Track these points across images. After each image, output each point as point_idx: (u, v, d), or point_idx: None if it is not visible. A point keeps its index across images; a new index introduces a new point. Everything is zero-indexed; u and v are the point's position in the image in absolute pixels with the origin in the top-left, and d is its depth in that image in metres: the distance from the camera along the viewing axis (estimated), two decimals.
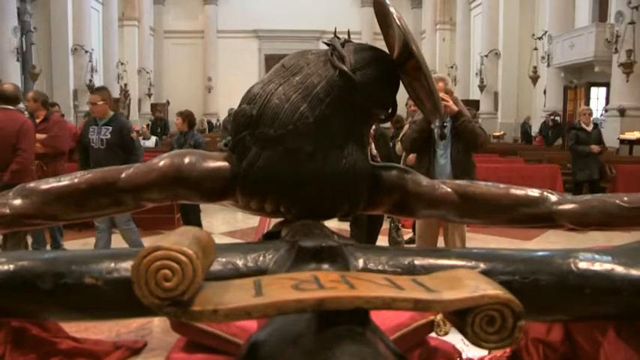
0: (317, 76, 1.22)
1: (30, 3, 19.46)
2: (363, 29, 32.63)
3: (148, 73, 28.87)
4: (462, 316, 0.65)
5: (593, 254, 0.96)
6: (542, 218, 1.37)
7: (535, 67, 19.53)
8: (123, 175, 1.29)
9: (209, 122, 29.36)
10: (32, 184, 1.29)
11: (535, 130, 18.87)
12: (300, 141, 1.16)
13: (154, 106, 28.88)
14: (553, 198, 1.38)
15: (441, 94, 3.52)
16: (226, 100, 31.10)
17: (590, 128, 8.90)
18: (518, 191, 1.40)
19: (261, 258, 0.98)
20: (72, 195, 1.27)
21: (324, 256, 0.94)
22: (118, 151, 5.64)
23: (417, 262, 0.96)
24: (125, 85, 25.66)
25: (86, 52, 20.88)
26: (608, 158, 11.04)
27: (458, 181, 1.43)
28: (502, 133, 20.38)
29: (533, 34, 19.97)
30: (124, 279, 0.87)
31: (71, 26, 20.50)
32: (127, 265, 0.90)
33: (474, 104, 22.41)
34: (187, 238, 0.69)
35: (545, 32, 18.55)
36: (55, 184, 1.28)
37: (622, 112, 14.17)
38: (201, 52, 32.11)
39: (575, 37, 16.73)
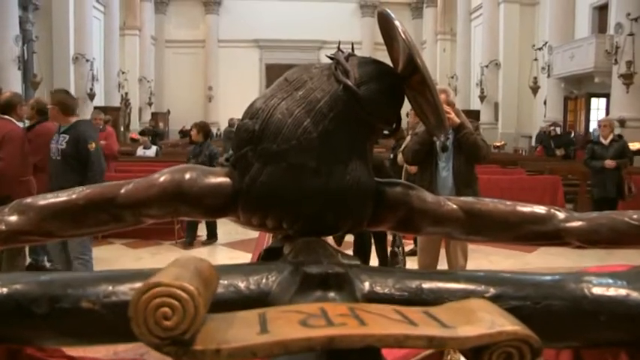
0: (320, 90, 1.20)
1: (32, 12, 19.53)
2: (364, 39, 32.74)
3: (148, 82, 28.94)
4: (478, 353, 0.63)
5: (607, 279, 0.93)
6: (549, 236, 1.36)
7: (535, 78, 19.57)
8: (122, 191, 1.27)
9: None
10: (29, 200, 1.27)
11: (535, 140, 18.87)
12: (303, 156, 1.14)
13: (154, 115, 28.93)
14: (560, 215, 1.37)
15: (444, 107, 3.50)
16: (227, 110, 31.15)
17: (608, 141, 8.33)
18: (524, 208, 1.38)
19: (263, 280, 0.97)
20: (70, 211, 1.26)
21: (330, 283, 0.93)
22: (75, 164, 5.02)
23: (425, 285, 0.94)
24: (126, 94, 25.69)
25: (87, 60, 20.94)
26: (629, 171, 11.06)
27: (463, 198, 1.42)
28: (503, 143, 20.37)
29: (534, 45, 20.03)
30: (123, 303, 0.85)
31: (72, 35, 20.58)
32: (125, 289, 0.88)
33: (474, 114, 22.45)
34: (188, 271, 0.67)
35: (546, 43, 18.60)
36: (52, 200, 1.27)
37: (622, 123, 14.16)
38: (202, 61, 32.20)
39: (575, 48, 16.77)
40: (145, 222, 1.30)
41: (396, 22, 1.20)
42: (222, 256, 6.50)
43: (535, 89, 19.80)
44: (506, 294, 0.90)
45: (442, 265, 4.39)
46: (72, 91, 19.80)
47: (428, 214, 1.31)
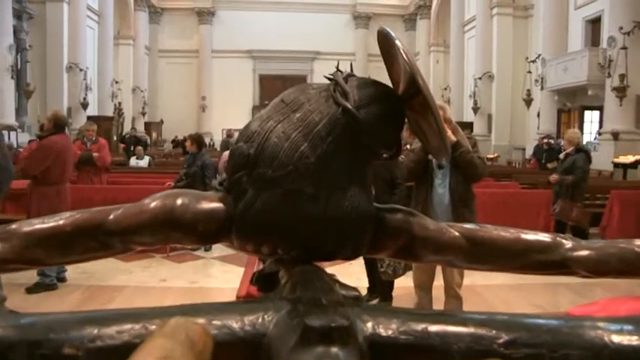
0: (318, 113, 1.16)
1: (26, 21, 19.48)
2: (358, 51, 32.86)
3: (142, 91, 28.91)
4: None
5: (620, 325, 0.88)
6: (555, 265, 1.31)
7: (529, 90, 19.64)
8: (111, 217, 1.22)
9: None
10: (14, 226, 1.21)
11: (529, 152, 18.90)
12: (300, 182, 1.10)
13: (147, 125, 28.87)
14: (567, 244, 1.32)
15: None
16: (220, 120, 31.18)
17: (563, 155, 7.91)
18: (529, 236, 1.34)
19: (259, 320, 0.91)
20: (56, 238, 1.20)
21: (334, 337, 0.87)
22: None
23: (432, 328, 0.89)
24: (119, 103, 25.62)
25: (81, 70, 20.88)
26: (597, 184, 11.06)
27: (466, 225, 1.37)
28: (496, 155, 20.41)
29: (527, 57, 20.11)
30: (109, 348, 0.79)
31: (66, 44, 20.54)
32: (111, 332, 0.82)
33: (467, 126, 22.50)
34: (179, 344, 0.60)
35: (539, 55, 18.67)
36: (38, 226, 1.21)
37: (615, 135, 14.22)
38: (196, 71, 32.20)
39: (569, 60, 16.84)
40: (135, 249, 1.25)
41: (397, 42, 1.15)
42: (215, 269, 6.44)
43: (528, 101, 19.87)
44: (520, 340, 0.85)
45: (438, 281, 4.33)
46: (65, 100, 19.92)
47: (429, 242, 1.27)
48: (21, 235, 1.17)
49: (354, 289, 1.20)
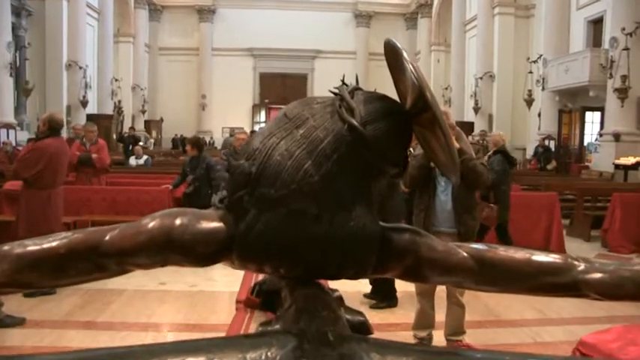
0: (323, 129, 1.11)
1: (25, 18, 19.39)
2: (358, 49, 32.80)
3: (142, 89, 28.85)
4: None
5: None
6: (566, 287, 1.27)
7: (530, 91, 19.59)
8: (107, 238, 1.16)
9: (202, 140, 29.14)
10: (6, 248, 1.16)
11: (529, 153, 18.85)
12: (303, 202, 1.05)
13: (147, 123, 28.80)
14: (579, 266, 1.28)
15: None
16: (220, 118, 31.14)
17: (488, 156, 7.43)
18: (540, 258, 1.29)
19: (263, 357, 0.86)
20: (49, 261, 1.15)
21: None
22: None
23: None
24: (119, 101, 25.56)
25: (80, 68, 20.80)
26: (598, 186, 11.00)
27: (475, 245, 1.33)
28: None
29: (528, 58, 20.05)
30: None
31: (66, 42, 20.46)
32: None
33: (468, 126, 22.46)
34: None
35: (540, 56, 18.60)
36: (30, 249, 1.15)
37: (617, 137, 14.16)
38: (196, 69, 32.14)
39: (570, 61, 16.77)
40: (131, 271, 1.20)
41: (405, 55, 1.10)
42: (215, 273, 6.34)
43: (529, 102, 19.81)
44: None
45: (440, 289, 4.27)
46: (64, 98, 19.85)
47: (437, 264, 1.22)
48: (12, 258, 1.11)
49: (360, 313, 1.15)
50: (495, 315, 5.45)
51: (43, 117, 5.86)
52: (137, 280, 6.26)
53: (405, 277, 1.28)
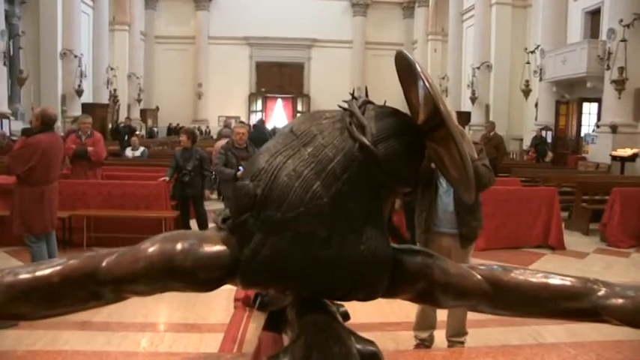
0: (332, 147, 1.06)
1: (19, 6, 19.17)
2: (355, 38, 32.66)
3: (137, 78, 28.68)
4: None
5: None
6: (585, 313, 1.24)
7: (527, 81, 19.54)
8: (104, 265, 1.11)
9: (199, 129, 29.13)
10: None
11: (526, 143, 18.83)
12: (312, 225, 1.01)
13: (143, 112, 28.66)
14: (599, 291, 1.24)
15: None
16: (216, 107, 31.04)
17: None
18: (557, 281, 1.26)
19: None
20: (42, 290, 1.10)
21: None
22: None
23: None
24: (115, 90, 25.42)
25: (75, 56, 20.65)
26: (596, 180, 10.99)
27: (491, 268, 1.28)
28: None
29: (526, 48, 19.99)
30: None
31: (60, 30, 20.26)
32: None
33: (465, 116, 22.43)
34: None
35: (538, 46, 18.55)
36: (21, 277, 1.10)
37: (614, 128, 14.14)
38: (192, 57, 31.98)
39: (568, 52, 16.73)
40: (129, 298, 1.15)
41: (418, 67, 1.05)
42: None
43: (527, 92, 19.77)
44: None
45: None
46: (59, 87, 19.70)
47: (450, 288, 1.19)
48: (2, 288, 1.06)
49: (371, 342, 1.12)
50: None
51: (36, 112, 5.76)
52: None
53: (417, 300, 1.25)
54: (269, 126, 23.15)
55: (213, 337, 4.27)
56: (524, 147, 18.95)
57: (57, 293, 1.09)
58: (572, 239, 8.33)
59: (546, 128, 17.86)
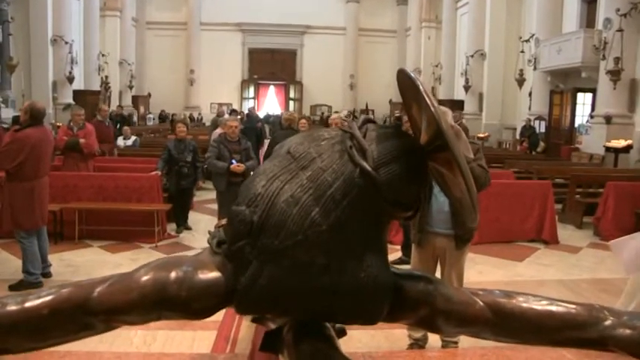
0: (332, 172, 1.02)
1: None
2: (348, 25, 32.51)
3: (129, 64, 28.46)
4: None
5: None
6: (592, 343, 1.22)
7: (521, 70, 19.47)
8: (95, 295, 1.07)
9: (190, 116, 29.02)
10: None
11: (519, 132, 18.81)
12: (310, 253, 0.98)
13: (135, 99, 28.50)
14: (606, 320, 1.21)
15: None
16: (209, 94, 30.91)
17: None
18: (563, 310, 1.23)
19: None
20: (30, 323, 1.06)
21: None
22: None
23: None
24: (106, 77, 25.21)
25: (66, 43, 20.40)
26: (590, 173, 10.99)
27: (494, 294, 1.25)
28: (487, 134, 20.32)
29: (520, 37, 19.89)
30: None
31: (51, 16, 19.98)
32: None
33: (458, 104, 22.39)
34: None
35: (533, 35, 18.46)
36: (10, 309, 1.06)
37: (608, 119, 14.12)
38: (184, 44, 31.78)
39: (563, 41, 16.64)
40: (119, 327, 1.12)
41: (420, 87, 1.01)
42: None
43: (521, 81, 19.70)
44: None
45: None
46: (50, 74, 19.52)
47: (452, 316, 1.17)
48: None
49: None
50: None
51: (24, 105, 5.67)
52: (126, 270, 6.16)
53: (418, 325, 1.24)
54: (261, 113, 23.09)
55: (207, 335, 4.24)
56: (517, 137, 18.93)
57: (46, 326, 1.05)
58: (566, 233, 8.32)
59: (540, 118, 17.83)
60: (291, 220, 0.98)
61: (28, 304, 1.06)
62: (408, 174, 1.05)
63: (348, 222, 0.98)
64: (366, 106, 29.92)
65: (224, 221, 1.17)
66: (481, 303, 1.21)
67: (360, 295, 1.00)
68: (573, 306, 1.23)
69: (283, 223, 0.97)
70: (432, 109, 1.00)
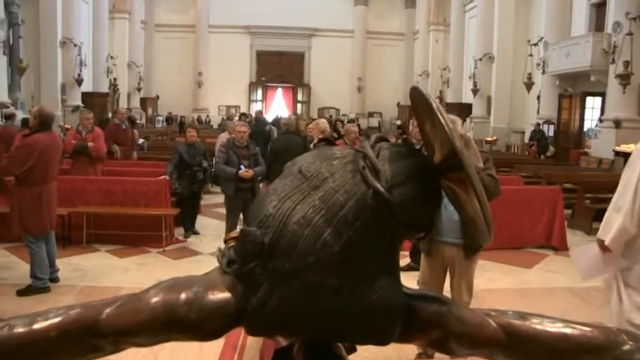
0: (344, 192, 1.01)
1: None
2: (356, 28, 32.52)
3: (137, 67, 28.56)
4: None
5: None
6: None
7: (530, 74, 19.39)
8: (103, 316, 1.06)
9: (199, 118, 29.11)
10: None
11: (527, 136, 18.74)
12: (322, 274, 0.97)
13: (143, 101, 28.60)
14: (624, 345, 1.18)
15: None
16: (217, 96, 30.98)
17: (314, 144, 7.46)
18: (578, 332, 1.20)
19: None
20: (38, 345, 1.05)
21: None
22: None
23: None
24: (114, 79, 25.32)
25: (75, 45, 20.53)
26: (598, 179, 10.92)
27: (507, 315, 1.23)
28: (495, 138, 20.26)
29: (529, 40, 19.82)
30: None
31: (60, 19, 20.13)
32: None
33: (466, 108, 22.35)
34: None
35: (541, 39, 18.38)
36: (17, 331, 1.05)
37: (617, 123, 14.04)
38: (192, 46, 31.86)
39: (572, 45, 16.56)
40: (127, 348, 1.11)
41: (436, 107, 1.00)
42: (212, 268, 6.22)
43: (529, 85, 19.63)
44: None
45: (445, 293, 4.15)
46: (59, 76, 19.60)
47: (465, 338, 1.14)
48: None
49: None
50: None
51: (33, 111, 5.68)
52: (133, 275, 6.18)
53: (430, 346, 1.22)
54: (269, 116, 23.08)
55: (214, 342, 4.22)
56: (526, 140, 18.84)
57: (54, 348, 1.04)
58: (575, 239, 8.26)
59: (548, 122, 17.75)
60: (303, 241, 0.96)
61: (35, 326, 1.05)
62: (422, 195, 1.03)
63: (360, 243, 0.96)
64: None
65: (233, 233, 1.15)
66: (494, 325, 1.18)
67: (371, 316, 0.99)
68: (589, 329, 1.20)
69: (295, 245, 0.95)
70: (447, 129, 0.98)
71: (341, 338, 1.08)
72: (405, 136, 5.45)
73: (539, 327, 1.17)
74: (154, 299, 1.05)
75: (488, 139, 20.07)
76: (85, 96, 21.17)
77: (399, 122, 21.38)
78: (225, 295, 1.04)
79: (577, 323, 1.22)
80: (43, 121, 5.38)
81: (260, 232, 0.99)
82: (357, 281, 0.98)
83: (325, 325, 1.00)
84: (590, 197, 9.24)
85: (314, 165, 1.05)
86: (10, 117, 10.98)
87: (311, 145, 7.95)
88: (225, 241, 1.16)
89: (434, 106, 1.00)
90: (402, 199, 0.99)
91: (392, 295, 1.03)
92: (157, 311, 1.03)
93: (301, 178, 1.03)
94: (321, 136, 7.61)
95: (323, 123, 8.24)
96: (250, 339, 4.18)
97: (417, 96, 1.07)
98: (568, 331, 1.16)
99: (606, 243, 3.38)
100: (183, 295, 1.04)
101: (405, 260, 6.42)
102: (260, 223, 1.00)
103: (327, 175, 1.02)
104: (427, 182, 1.04)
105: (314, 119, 19.90)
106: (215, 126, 27.16)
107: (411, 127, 6.69)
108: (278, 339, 1.34)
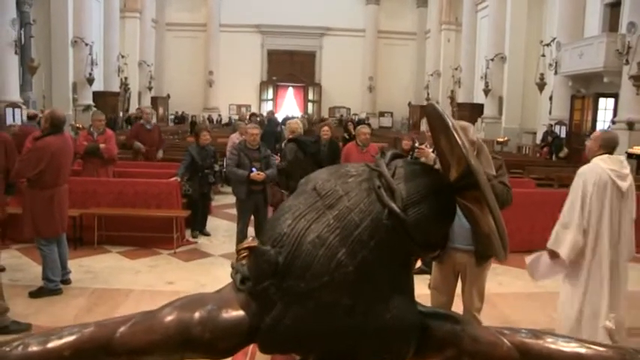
0: (359, 212, 1.00)
1: None
2: (368, 27, 32.47)
3: (148, 66, 28.68)
4: None
5: None
6: None
7: (542, 74, 19.26)
8: (117, 335, 1.07)
9: (209, 117, 29.16)
10: (6, 349, 1.05)
11: (539, 137, 18.61)
12: (336, 294, 0.97)
13: (154, 100, 28.72)
14: None
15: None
16: (228, 95, 31.04)
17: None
18: (592, 352, 1.21)
19: None
20: None
21: None
22: None
23: None
24: (125, 78, 25.43)
25: (86, 44, 20.64)
26: None
27: (521, 334, 1.24)
28: (506, 139, 20.17)
29: (541, 41, 19.69)
30: None
31: (71, 18, 20.25)
32: None
33: (478, 108, 22.23)
34: None
35: (554, 39, 18.23)
36: (32, 349, 1.05)
37: (630, 125, 13.91)
38: (203, 45, 31.90)
39: (585, 45, 16.41)
40: None
41: (450, 123, 0.99)
42: (223, 271, 6.21)
43: (541, 86, 19.50)
44: None
45: (457, 305, 4.11)
46: (70, 75, 19.71)
47: (479, 356, 1.16)
48: None
49: None
50: (508, 321, 5.35)
51: (45, 113, 5.71)
52: (144, 277, 6.18)
53: None
54: (280, 115, 23.10)
55: None
56: (537, 141, 18.72)
57: None
58: None
59: (560, 123, 17.62)
60: (317, 261, 0.96)
61: (49, 345, 1.06)
62: (437, 214, 1.03)
63: (374, 263, 0.96)
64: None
65: (246, 243, 1.15)
66: (508, 344, 1.19)
67: (385, 335, 0.99)
68: (604, 349, 1.19)
69: (309, 264, 0.96)
70: (464, 149, 0.98)
71: (355, 357, 1.08)
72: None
73: (553, 346, 1.17)
74: (168, 318, 1.05)
75: (500, 139, 19.97)
76: (96, 95, 21.28)
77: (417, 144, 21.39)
78: (239, 313, 1.04)
79: (592, 343, 1.21)
80: (55, 124, 5.40)
81: (274, 252, 0.99)
82: (372, 300, 0.98)
83: (339, 344, 1.00)
84: None
85: (329, 183, 1.04)
86: (32, 117, 11.11)
87: (283, 144, 8.11)
88: (238, 252, 1.15)
89: (450, 124, 0.99)
90: (417, 218, 0.99)
91: (406, 314, 1.03)
92: (171, 330, 1.03)
93: (315, 196, 1.03)
94: (290, 137, 7.64)
95: (295, 123, 8.25)
96: None
97: (432, 112, 1.07)
98: (582, 350, 1.16)
99: (563, 257, 4.35)
100: (197, 314, 1.04)
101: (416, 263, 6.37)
102: (274, 242, 1.00)
103: (341, 193, 1.01)
104: (442, 201, 1.03)
105: (324, 119, 19.91)
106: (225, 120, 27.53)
107: (417, 144, 6.66)
108: (293, 356, 1.33)
